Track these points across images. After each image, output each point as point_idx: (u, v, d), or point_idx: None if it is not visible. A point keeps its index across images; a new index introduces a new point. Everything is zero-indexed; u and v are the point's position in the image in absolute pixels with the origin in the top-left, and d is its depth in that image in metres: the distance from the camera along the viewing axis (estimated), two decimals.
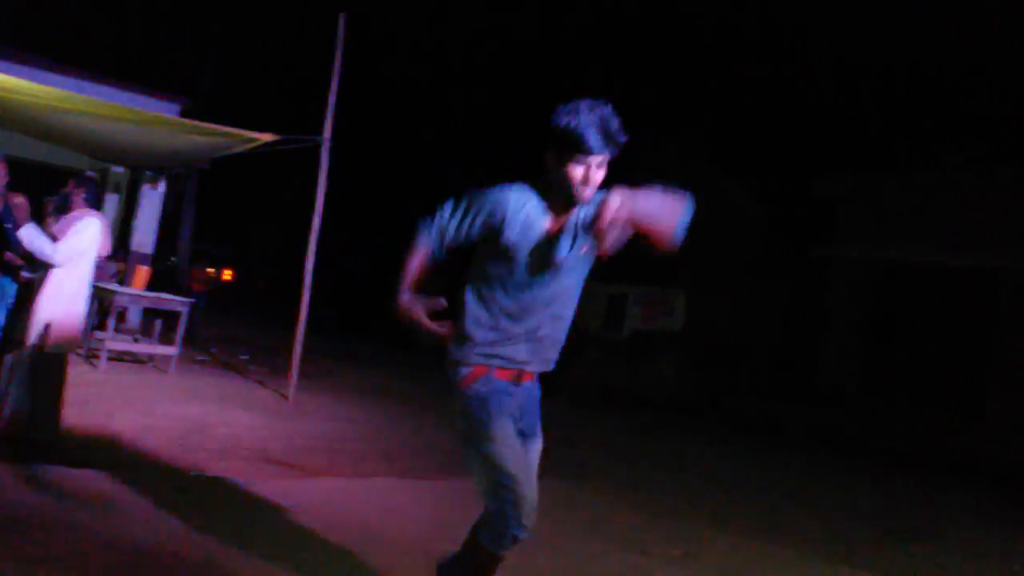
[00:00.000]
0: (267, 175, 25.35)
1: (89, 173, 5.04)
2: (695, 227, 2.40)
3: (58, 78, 10.33)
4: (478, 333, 2.52)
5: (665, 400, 11.81)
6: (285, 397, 7.60)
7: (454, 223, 2.53)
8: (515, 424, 2.51)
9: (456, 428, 2.57)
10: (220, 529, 3.55)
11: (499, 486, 2.42)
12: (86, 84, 10.92)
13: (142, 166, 11.60)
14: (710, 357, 13.40)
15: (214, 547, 3.33)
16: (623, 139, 2.38)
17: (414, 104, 24.11)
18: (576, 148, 2.35)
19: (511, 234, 2.44)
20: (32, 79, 7.24)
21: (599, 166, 2.41)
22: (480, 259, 2.56)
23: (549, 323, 2.53)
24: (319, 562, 3.34)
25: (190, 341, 10.37)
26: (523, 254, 2.45)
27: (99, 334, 8.36)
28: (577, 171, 2.39)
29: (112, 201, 12.87)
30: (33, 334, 4.56)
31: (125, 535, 3.33)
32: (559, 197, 2.47)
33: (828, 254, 15.04)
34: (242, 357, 10.67)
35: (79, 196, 4.79)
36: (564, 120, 2.36)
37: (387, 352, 15.44)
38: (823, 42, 17.98)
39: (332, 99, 7.91)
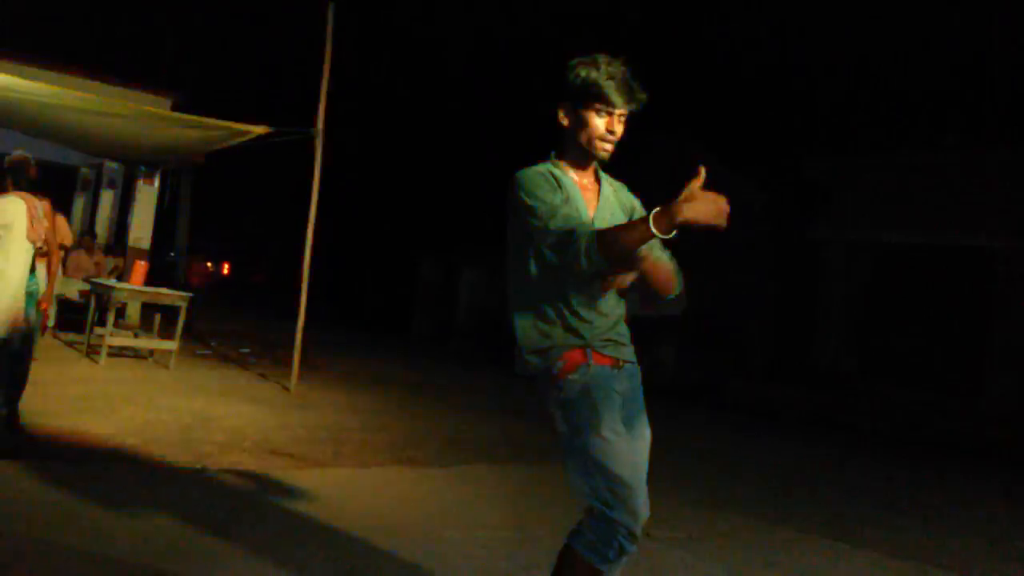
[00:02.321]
0: (262, 169, 25.30)
1: (16, 153, 4.98)
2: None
3: (49, 74, 10.29)
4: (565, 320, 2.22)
5: (664, 385, 11.85)
6: (287, 389, 7.63)
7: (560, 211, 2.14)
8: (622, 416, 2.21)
9: (555, 428, 2.24)
10: (227, 521, 3.57)
11: (609, 490, 2.10)
12: (77, 80, 10.88)
13: (136, 161, 11.58)
14: (708, 341, 13.43)
15: (221, 540, 3.36)
16: (644, 96, 2.22)
17: (407, 93, 24.02)
18: (596, 99, 2.19)
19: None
20: (23, 76, 7.21)
21: (621, 119, 2.24)
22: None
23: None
24: (327, 552, 3.37)
25: (190, 335, 10.39)
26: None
27: (99, 329, 8.37)
28: (598, 122, 2.22)
29: (107, 196, 12.86)
30: None
31: (131, 529, 3.35)
32: (578, 156, 2.29)
33: (822, 237, 15.05)
34: (243, 350, 10.69)
35: (8, 180, 4.77)
36: (583, 71, 2.20)
37: (386, 342, 15.47)
38: (814, 25, 17.91)
39: (324, 90, 7.88)
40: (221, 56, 18.95)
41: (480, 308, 19.09)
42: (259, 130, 7.87)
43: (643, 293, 2.35)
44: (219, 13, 17.84)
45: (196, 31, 17.25)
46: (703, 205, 1.99)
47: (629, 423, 2.22)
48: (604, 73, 2.18)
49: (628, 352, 2.30)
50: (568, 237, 2.07)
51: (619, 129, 2.23)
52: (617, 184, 2.44)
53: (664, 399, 11.14)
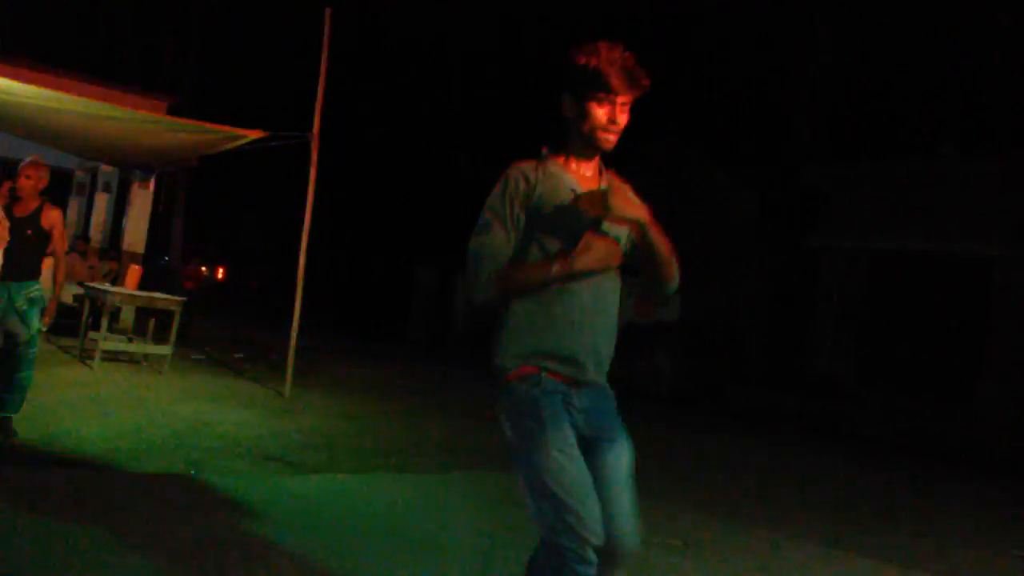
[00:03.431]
0: (258, 173, 25.29)
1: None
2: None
3: (45, 78, 10.26)
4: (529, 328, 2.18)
5: (661, 392, 11.84)
6: (281, 394, 7.59)
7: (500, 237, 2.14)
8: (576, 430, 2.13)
9: (503, 433, 2.17)
10: (220, 527, 3.55)
11: (555, 513, 2.00)
12: (73, 83, 10.85)
13: (131, 165, 11.55)
14: (705, 348, 13.43)
15: (214, 545, 3.33)
16: (647, 82, 2.15)
17: (404, 97, 24.05)
18: (598, 86, 2.12)
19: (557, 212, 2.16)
20: (19, 79, 7.19)
21: (623, 108, 2.17)
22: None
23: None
24: (321, 558, 3.34)
25: (184, 340, 10.35)
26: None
27: (93, 334, 8.33)
28: (600, 111, 2.14)
29: (102, 201, 12.82)
30: None
31: (123, 535, 3.32)
32: (581, 148, 2.22)
33: (820, 244, 15.09)
34: (237, 355, 10.65)
35: None
36: (583, 59, 2.13)
37: (381, 348, 15.44)
38: (813, 33, 17.97)
39: (321, 95, 7.88)
40: (218, 60, 18.96)
41: (476, 314, 19.07)
42: (255, 134, 7.86)
43: (643, 289, 2.31)
44: (217, 17, 17.85)
45: (193, 35, 17.24)
46: (596, 253, 2.08)
47: (597, 443, 2.14)
48: (604, 59, 2.11)
49: (595, 375, 2.18)
50: (477, 263, 2.10)
51: (622, 119, 2.17)
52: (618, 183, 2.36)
53: (661, 406, 11.15)
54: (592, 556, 1.98)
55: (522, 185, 2.15)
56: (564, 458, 2.02)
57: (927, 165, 14.57)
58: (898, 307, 14.29)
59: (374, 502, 4.41)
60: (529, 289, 2.10)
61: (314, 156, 7.80)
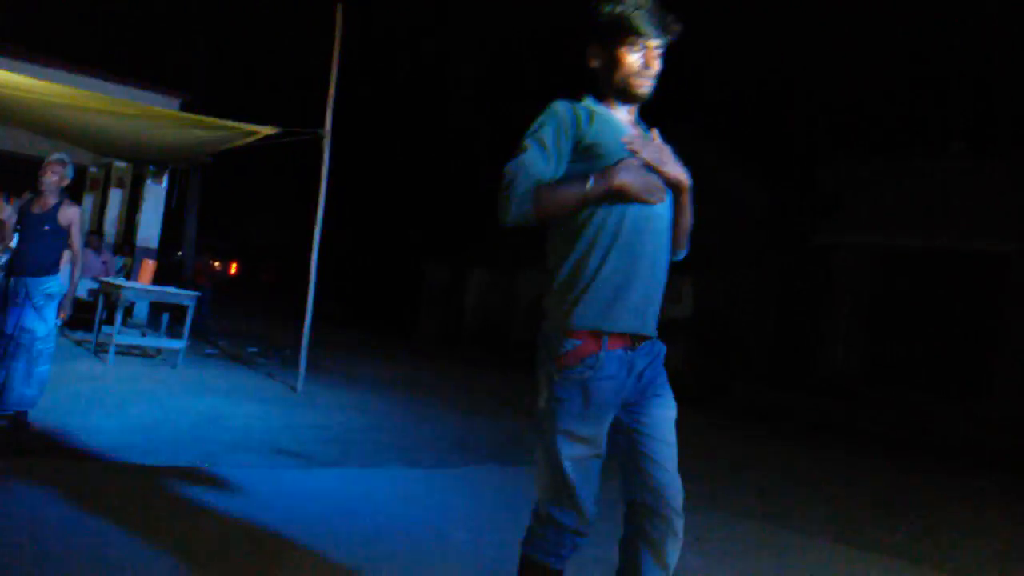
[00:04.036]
0: (271, 169, 25.37)
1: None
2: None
3: (59, 74, 10.35)
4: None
5: (671, 388, 11.82)
6: (294, 389, 7.64)
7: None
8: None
9: (536, 396, 2.15)
10: (232, 520, 3.59)
11: (554, 485, 2.06)
12: (87, 79, 10.93)
13: (144, 160, 11.63)
14: (714, 345, 13.40)
15: (228, 538, 3.37)
16: (677, 27, 2.08)
17: (416, 94, 24.05)
18: (628, 31, 2.04)
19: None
20: (33, 75, 7.26)
21: (656, 54, 2.09)
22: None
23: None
24: (333, 551, 3.37)
25: (198, 335, 10.42)
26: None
27: (107, 328, 8.41)
28: (633, 58, 2.07)
29: (116, 196, 12.91)
30: None
31: (139, 528, 3.36)
32: (615, 99, 2.14)
33: (831, 241, 15.02)
34: (250, 350, 10.71)
35: None
36: (609, 7, 2.06)
37: (392, 343, 15.48)
38: (825, 32, 17.87)
39: (332, 91, 7.90)
40: (231, 56, 19.02)
41: (487, 309, 19.09)
42: (267, 131, 7.89)
43: None
44: (229, 13, 17.89)
45: (206, 31, 17.29)
46: (634, 175, 1.98)
47: (645, 399, 2.11)
48: (632, 3, 2.05)
49: (651, 325, 2.13)
50: (514, 177, 1.97)
51: (655, 64, 2.09)
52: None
53: None
54: (582, 528, 2.07)
55: (571, 117, 2.06)
56: (586, 448, 2.04)
57: (938, 162, 14.49)
58: (908, 304, 14.22)
59: (386, 496, 4.44)
60: (566, 210, 1.99)
61: (326, 153, 7.83)
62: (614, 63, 2.09)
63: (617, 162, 2.01)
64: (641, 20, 2.04)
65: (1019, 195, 12.96)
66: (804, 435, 10.09)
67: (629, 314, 2.05)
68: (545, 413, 2.07)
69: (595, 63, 2.14)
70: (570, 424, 2.03)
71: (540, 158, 2.00)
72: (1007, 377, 12.66)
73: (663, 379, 2.18)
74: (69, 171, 5.04)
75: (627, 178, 1.97)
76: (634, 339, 2.08)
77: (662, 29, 2.06)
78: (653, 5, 2.07)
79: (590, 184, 1.96)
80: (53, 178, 4.95)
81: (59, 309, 4.99)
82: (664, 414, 2.14)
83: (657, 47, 2.08)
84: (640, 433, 2.11)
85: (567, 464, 2.03)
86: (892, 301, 14.49)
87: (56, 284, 4.96)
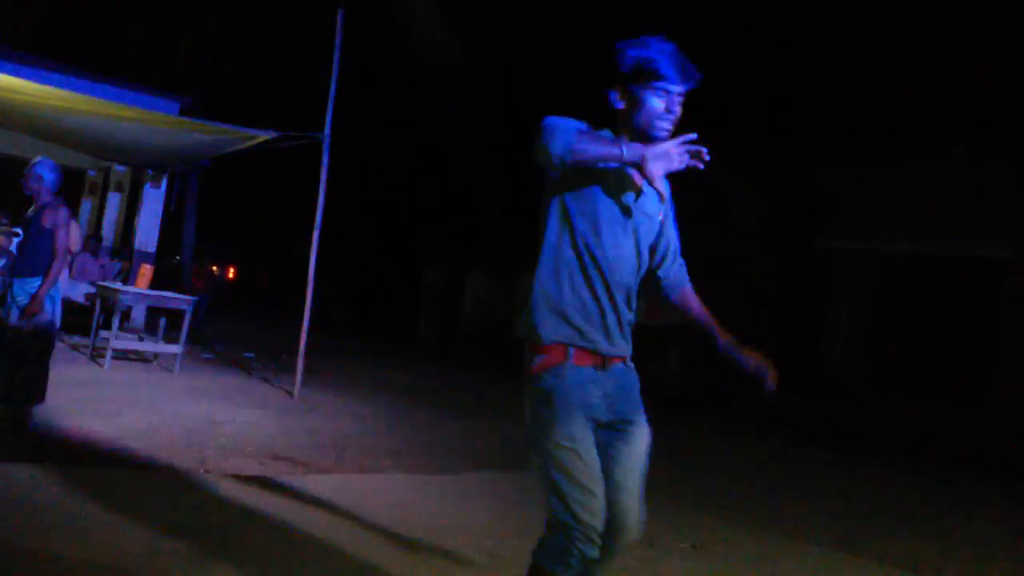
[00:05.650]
0: (270, 173, 25.38)
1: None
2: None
3: (58, 77, 10.33)
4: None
5: (670, 393, 11.80)
6: (290, 394, 7.62)
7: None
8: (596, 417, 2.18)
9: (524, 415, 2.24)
10: (227, 526, 3.56)
11: (560, 496, 2.12)
12: (86, 83, 10.92)
13: (143, 164, 11.61)
14: (715, 350, 13.35)
15: (221, 544, 3.34)
16: (699, 75, 2.17)
17: (414, 99, 24.08)
18: (653, 76, 2.13)
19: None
20: (32, 79, 7.25)
21: (678, 100, 2.18)
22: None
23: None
24: (328, 558, 3.35)
25: (195, 339, 10.40)
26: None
27: (104, 333, 8.38)
28: (656, 102, 2.15)
29: (114, 200, 12.89)
30: None
31: (133, 533, 3.34)
32: (631, 136, 2.19)
33: (831, 246, 15.01)
34: (247, 355, 10.69)
35: None
36: (634, 51, 2.15)
37: (390, 347, 15.46)
38: (825, 35, 17.90)
39: (332, 95, 7.89)
40: (231, 59, 19.00)
41: (484, 314, 19.07)
42: (267, 135, 7.88)
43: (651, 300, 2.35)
44: (230, 17, 17.88)
45: (206, 34, 17.29)
46: (660, 164, 2.03)
47: (615, 425, 2.20)
48: (655, 49, 2.15)
49: (622, 348, 2.23)
50: (556, 121, 2.03)
51: (677, 110, 2.19)
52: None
53: (670, 407, 11.11)
54: (596, 537, 2.08)
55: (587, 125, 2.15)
56: (572, 450, 2.10)
57: (939, 167, 14.49)
58: (909, 310, 14.20)
59: (382, 503, 4.41)
60: (599, 159, 2.04)
61: (325, 157, 7.83)
62: (639, 104, 2.17)
63: (653, 140, 2.12)
64: (665, 64, 2.13)
65: (1018, 200, 12.95)
66: (806, 440, 10.08)
67: (597, 333, 2.16)
68: (529, 425, 2.18)
69: (619, 104, 2.21)
70: (550, 431, 2.11)
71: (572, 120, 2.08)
72: (1006, 383, 12.64)
73: (636, 406, 2.27)
74: (47, 175, 5.02)
75: (659, 157, 2.03)
76: (604, 359, 2.18)
77: (685, 76, 2.15)
78: (678, 52, 2.15)
79: (624, 151, 2.02)
80: (33, 185, 5.02)
81: (22, 311, 4.85)
82: (637, 442, 2.24)
83: (679, 93, 2.17)
84: (610, 457, 2.19)
85: (559, 473, 2.10)
86: (893, 307, 14.47)
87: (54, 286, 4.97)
